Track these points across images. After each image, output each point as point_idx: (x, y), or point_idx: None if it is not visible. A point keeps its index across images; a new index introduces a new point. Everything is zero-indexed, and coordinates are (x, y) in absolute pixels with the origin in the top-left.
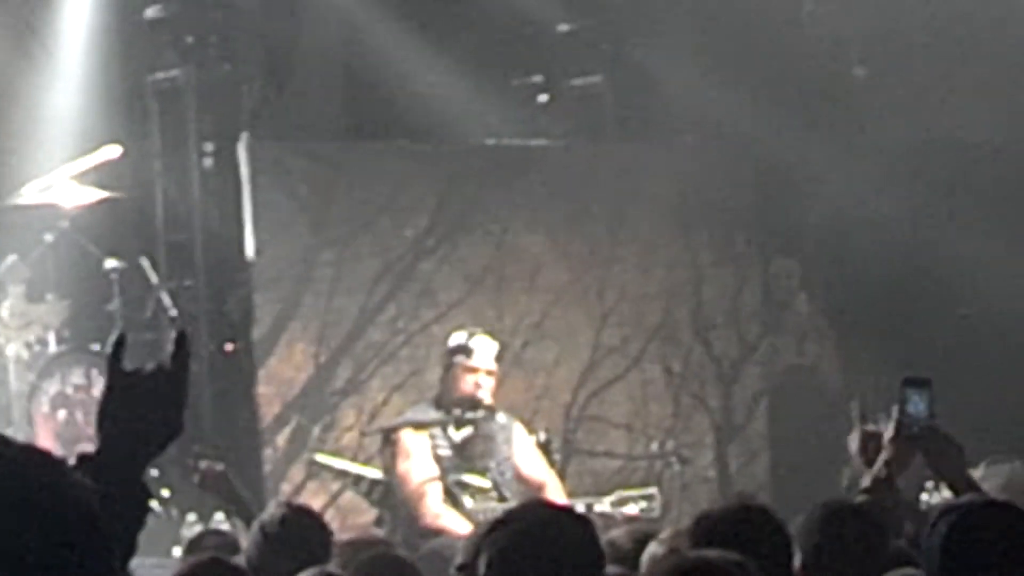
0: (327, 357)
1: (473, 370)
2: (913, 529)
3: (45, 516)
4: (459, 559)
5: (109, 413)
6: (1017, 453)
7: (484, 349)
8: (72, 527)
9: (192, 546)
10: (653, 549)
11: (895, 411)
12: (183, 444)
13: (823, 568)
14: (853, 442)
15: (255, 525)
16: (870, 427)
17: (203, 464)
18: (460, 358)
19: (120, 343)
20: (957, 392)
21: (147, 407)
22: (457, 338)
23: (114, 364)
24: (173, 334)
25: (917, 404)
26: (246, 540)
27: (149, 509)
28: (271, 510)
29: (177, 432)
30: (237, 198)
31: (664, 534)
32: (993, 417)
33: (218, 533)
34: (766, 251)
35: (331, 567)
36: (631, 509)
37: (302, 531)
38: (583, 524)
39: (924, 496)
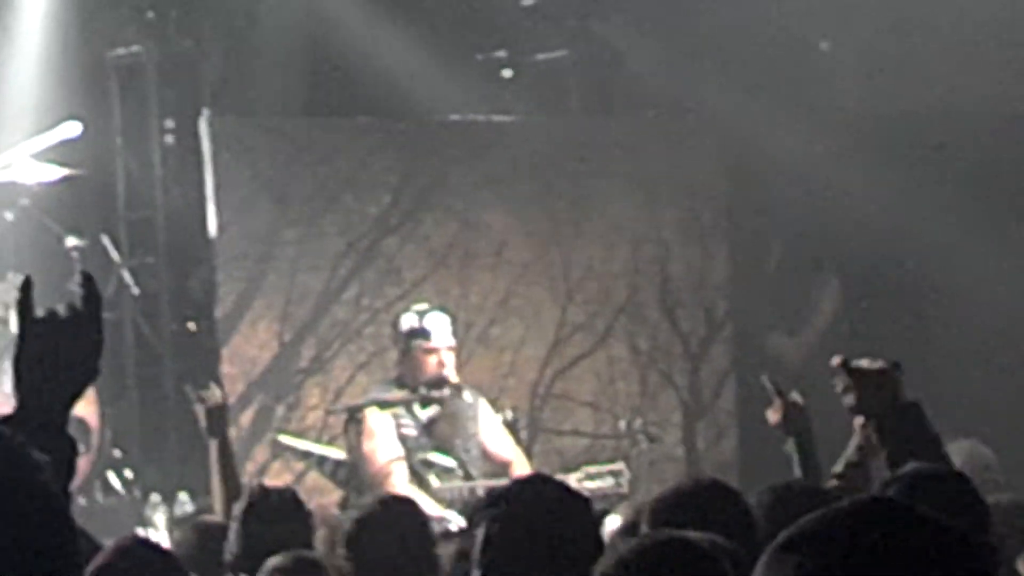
0: (291, 335)
1: (433, 351)
2: None
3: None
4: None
5: (25, 362)
6: (979, 432)
7: (439, 327)
8: (32, 504)
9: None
10: (613, 524)
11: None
12: (149, 412)
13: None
14: (773, 414)
15: (233, 511)
16: (790, 398)
17: (209, 391)
18: (418, 341)
19: (27, 288)
20: (924, 371)
21: (63, 352)
22: (409, 320)
23: (24, 311)
24: (77, 276)
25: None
26: (217, 489)
27: (75, 459)
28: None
29: (94, 375)
30: (199, 175)
31: (624, 508)
32: (958, 396)
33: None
34: (733, 227)
35: (306, 552)
36: (600, 484)
37: (283, 512)
38: (581, 502)
39: None
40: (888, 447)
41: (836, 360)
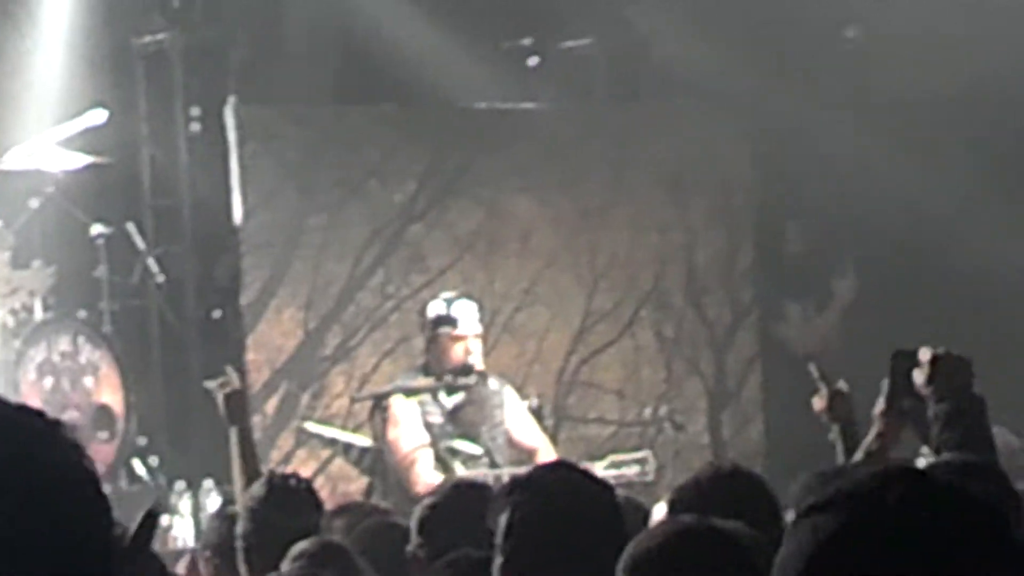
0: (316, 323)
1: (460, 338)
2: None
3: (41, 476)
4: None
5: None
6: (1002, 419)
7: (466, 314)
8: (70, 487)
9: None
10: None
11: (884, 385)
12: (175, 400)
13: None
14: (819, 402)
15: (246, 497)
16: (836, 386)
17: (226, 377)
18: (445, 329)
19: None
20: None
21: None
22: (436, 308)
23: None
24: (142, 513)
25: (908, 377)
26: (239, 476)
27: None
28: (261, 483)
29: None
30: (225, 163)
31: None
32: (994, 381)
33: None
34: (760, 214)
35: (329, 536)
36: (625, 472)
37: (290, 500)
38: (604, 489)
39: (920, 462)
40: (942, 434)
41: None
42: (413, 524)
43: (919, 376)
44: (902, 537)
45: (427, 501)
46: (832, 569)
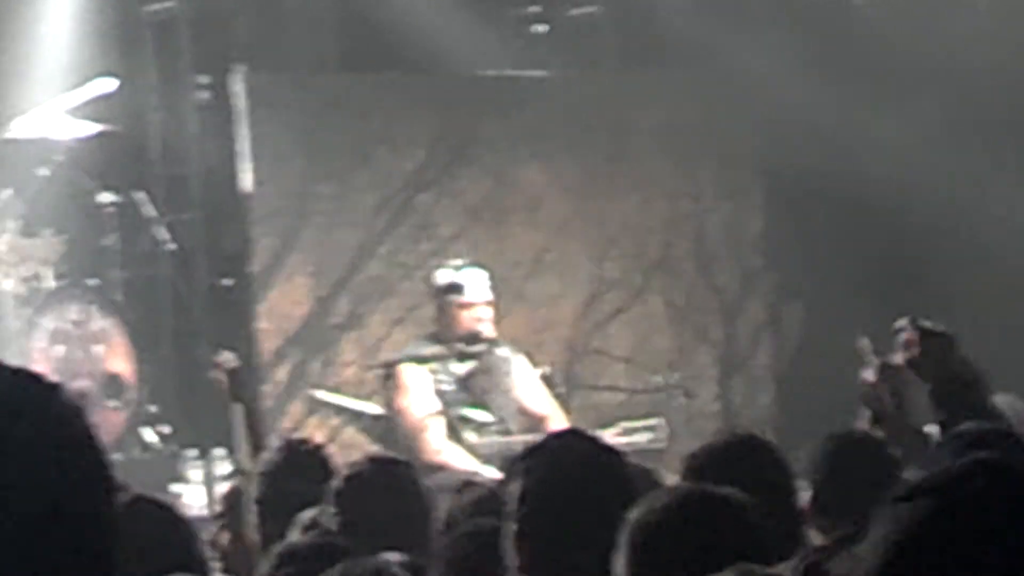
0: (326, 291)
1: (469, 306)
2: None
3: (39, 438)
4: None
5: None
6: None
7: (476, 282)
8: (68, 449)
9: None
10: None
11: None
12: (185, 368)
13: (834, 499)
14: (870, 374)
15: (261, 462)
16: (887, 359)
17: (223, 358)
18: (453, 297)
19: None
20: (966, 327)
21: None
22: (444, 276)
23: None
24: None
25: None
26: (246, 453)
27: None
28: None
29: None
30: (233, 131)
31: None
32: (1002, 349)
33: None
34: (768, 181)
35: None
36: (637, 439)
37: (304, 466)
38: (615, 456)
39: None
40: (938, 411)
41: (903, 321)
42: (330, 497)
43: (900, 358)
44: (989, 526)
45: (344, 473)
46: (917, 558)
